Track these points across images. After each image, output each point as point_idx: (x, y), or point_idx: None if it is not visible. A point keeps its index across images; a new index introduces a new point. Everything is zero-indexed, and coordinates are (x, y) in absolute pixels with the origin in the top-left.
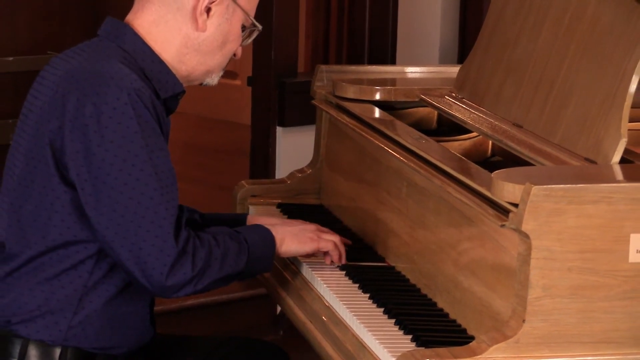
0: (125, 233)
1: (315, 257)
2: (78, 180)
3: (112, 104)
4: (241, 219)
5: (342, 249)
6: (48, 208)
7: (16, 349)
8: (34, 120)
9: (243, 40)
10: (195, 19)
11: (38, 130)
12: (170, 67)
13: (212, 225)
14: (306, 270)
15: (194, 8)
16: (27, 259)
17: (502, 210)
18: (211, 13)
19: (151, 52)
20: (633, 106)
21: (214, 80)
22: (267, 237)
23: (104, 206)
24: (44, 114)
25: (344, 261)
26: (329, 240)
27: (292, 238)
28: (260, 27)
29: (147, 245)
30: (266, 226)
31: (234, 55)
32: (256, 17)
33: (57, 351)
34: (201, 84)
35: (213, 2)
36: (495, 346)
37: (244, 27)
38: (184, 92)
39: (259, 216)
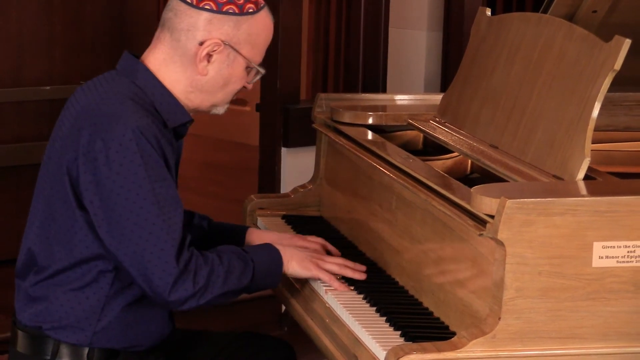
0: (133, 254)
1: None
2: (91, 207)
3: (119, 140)
4: (240, 230)
5: (350, 264)
6: (69, 229)
7: (49, 348)
8: (58, 148)
9: (249, 80)
10: (196, 64)
11: (59, 159)
12: (179, 100)
13: (216, 231)
14: None
15: (195, 54)
16: (54, 272)
17: (480, 221)
18: (212, 59)
19: (161, 87)
20: (595, 129)
21: (219, 111)
22: (275, 257)
23: (114, 230)
24: (64, 144)
25: (362, 276)
26: (333, 263)
27: (299, 262)
28: (263, 71)
29: (151, 266)
30: (276, 246)
31: (245, 87)
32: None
33: (85, 350)
34: (209, 113)
35: (214, 50)
36: (474, 341)
37: (250, 68)
38: (192, 120)
39: (259, 230)
